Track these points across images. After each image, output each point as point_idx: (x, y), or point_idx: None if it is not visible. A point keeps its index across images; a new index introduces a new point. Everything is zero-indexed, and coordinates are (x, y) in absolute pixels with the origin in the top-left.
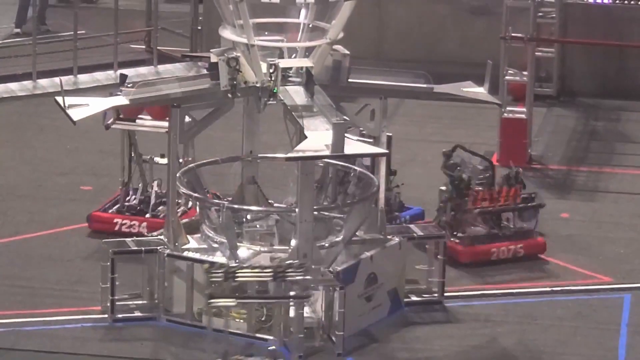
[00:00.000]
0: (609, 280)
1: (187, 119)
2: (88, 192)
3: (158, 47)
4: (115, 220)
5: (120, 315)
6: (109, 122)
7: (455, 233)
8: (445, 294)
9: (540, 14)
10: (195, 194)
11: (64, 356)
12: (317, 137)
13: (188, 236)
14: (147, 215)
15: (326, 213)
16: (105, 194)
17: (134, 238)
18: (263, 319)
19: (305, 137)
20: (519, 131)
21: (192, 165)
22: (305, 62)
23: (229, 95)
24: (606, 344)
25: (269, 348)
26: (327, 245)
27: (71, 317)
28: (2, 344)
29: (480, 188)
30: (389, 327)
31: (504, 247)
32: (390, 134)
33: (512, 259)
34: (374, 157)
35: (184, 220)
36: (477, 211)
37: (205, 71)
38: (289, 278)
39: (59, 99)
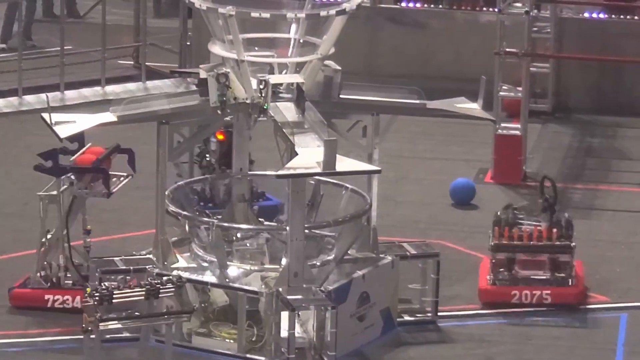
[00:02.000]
0: (606, 299)
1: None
2: None
3: (146, 63)
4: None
5: (108, 336)
6: None
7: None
8: (439, 314)
9: (535, 28)
10: (185, 212)
11: None
12: (308, 154)
13: (177, 255)
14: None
15: (317, 231)
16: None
17: (122, 257)
18: (253, 339)
19: (296, 154)
20: (514, 148)
21: (181, 182)
22: (296, 78)
23: (219, 111)
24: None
25: None
26: (318, 264)
27: (58, 338)
28: None
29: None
30: (381, 347)
31: (527, 291)
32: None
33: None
34: (366, 174)
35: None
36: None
37: (194, 87)
38: (161, 295)
39: (46, 115)
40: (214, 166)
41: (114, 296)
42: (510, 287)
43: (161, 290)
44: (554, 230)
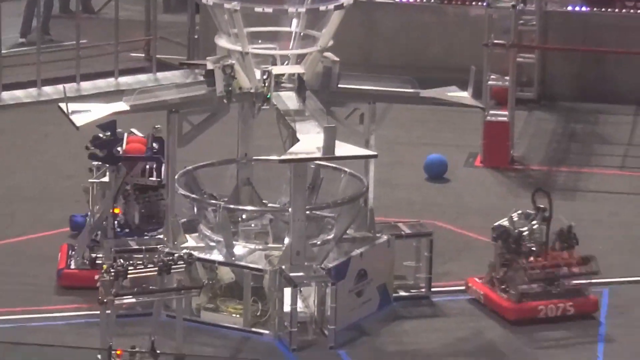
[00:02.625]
0: None
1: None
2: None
3: (157, 56)
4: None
5: (122, 311)
6: None
7: (505, 288)
8: (432, 289)
9: (521, 21)
10: (193, 195)
11: (67, 350)
12: (309, 140)
13: (186, 235)
14: None
15: (318, 212)
16: None
17: (135, 237)
18: (258, 313)
19: (298, 140)
20: (502, 134)
21: (189, 167)
22: (297, 69)
23: (225, 100)
24: (587, 336)
25: None
26: (319, 243)
27: (75, 313)
28: (10, 339)
29: (532, 244)
30: (378, 321)
31: (552, 305)
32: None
33: (561, 317)
34: (363, 159)
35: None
36: (531, 272)
37: (202, 78)
38: (173, 271)
39: (63, 105)
40: (128, 191)
41: (129, 272)
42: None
43: (172, 267)
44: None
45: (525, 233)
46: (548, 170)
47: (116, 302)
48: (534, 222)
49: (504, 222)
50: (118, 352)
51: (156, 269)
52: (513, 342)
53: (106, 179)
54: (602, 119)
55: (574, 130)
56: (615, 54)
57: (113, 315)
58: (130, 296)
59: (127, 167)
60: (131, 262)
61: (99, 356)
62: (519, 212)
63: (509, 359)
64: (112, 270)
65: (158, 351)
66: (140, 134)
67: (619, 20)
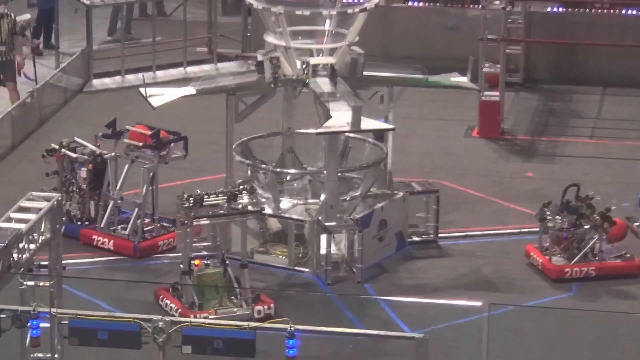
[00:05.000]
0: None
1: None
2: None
3: (217, 50)
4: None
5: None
6: None
7: (554, 250)
8: (439, 235)
9: (509, 20)
10: (248, 161)
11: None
12: (340, 116)
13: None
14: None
15: (347, 174)
16: (176, 163)
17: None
18: (300, 255)
19: (331, 117)
20: (494, 110)
21: (244, 139)
22: (330, 60)
23: (272, 85)
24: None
25: None
26: (348, 199)
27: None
28: (71, 274)
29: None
30: (396, 261)
31: (576, 268)
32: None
33: (583, 278)
34: (383, 131)
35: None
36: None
37: (253, 67)
38: (238, 200)
39: (142, 90)
40: (83, 191)
41: (204, 200)
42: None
43: (238, 196)
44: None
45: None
46: (531, 139)
47: (194, 223)
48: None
49: (547, 216)
50: (196, 262)
51: (225, 197)
52: (504, 276)
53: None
54: (575, 98)
55: (552, 107)
56: (585, 46)
57: (191, 236)
58: (206, 218)
59: (163, 148)
60: (205, 192)
61: (181, 265)
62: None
63: (501, 290)
64: (191, 198)
65: (227, 262)
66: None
67: (589, 19)
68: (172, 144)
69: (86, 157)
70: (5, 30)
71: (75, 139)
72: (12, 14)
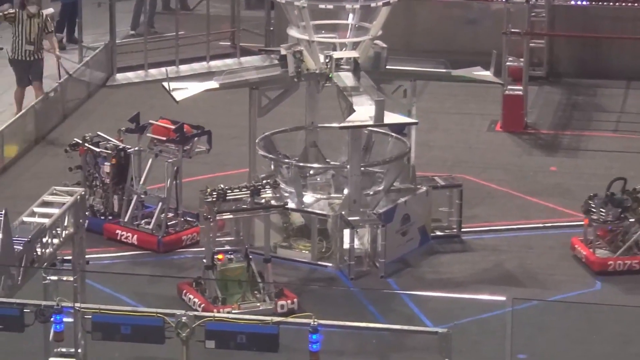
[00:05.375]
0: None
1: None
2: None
3: (240, 44)
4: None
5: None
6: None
7: (599, 243)
8: (462, 230)
9: (533, 13)
10: (271, 155)
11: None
12: (363, 111)
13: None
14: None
15: (370, 169)
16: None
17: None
18: (323, 250)
19: (354, 111)
20: (517, 104)
21: (267, 133)
22: (353, 54)
23: (295, 79)
24: (587, 266)
25: None
26: (371, 193)
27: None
28: (95, 269)
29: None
30: (419, 255)
31: (620, 261)
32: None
33: (627, 271)
34: (406, 125)
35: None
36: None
37: (276, 61)
38: (261, 194)
39: (165, 84)
40: (106, 186)
41: (227, 194)
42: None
43: (262, 191)
44: None
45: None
46: (555, 133)
47: (217, 217)
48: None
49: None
50: (220, 257)
51: (248, 192)
52: (526, 271)
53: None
54: (599, 92)
55: (575, 101)
56: (609, 39)
57: (215, 230)
58: (229, 213)
59: (186, 142)
60: (229, 187)
61: (205, 260)
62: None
63: (524, 284)
64: (214, 193)
65: (250, 256)
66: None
67: (612, 12)
68: (196, 138)
69: (109, 151)
70: (35, 29)
71: (99, 133)
72: (44, 14)
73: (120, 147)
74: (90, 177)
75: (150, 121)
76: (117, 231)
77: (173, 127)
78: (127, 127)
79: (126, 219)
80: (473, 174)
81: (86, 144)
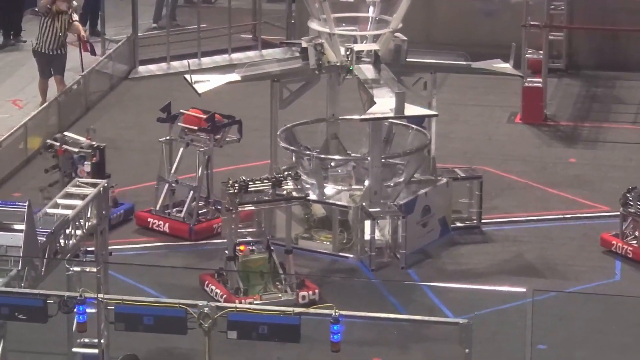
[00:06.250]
0: (607, 209)
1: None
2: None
3: (262, 36)
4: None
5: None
6: None
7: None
8: (482, 221)
9: (552, 6)
10: (292, 147)
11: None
12: (384, 103)
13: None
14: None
15: (391, 160)
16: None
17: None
18: (344, 241)
19: (375, 103)
20: (537, 96)
21: (288, 125)
22: (374, 46)
23: (316, 72)
24: (606, 258)
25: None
26: (392, 185)
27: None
28: (117, 260)
29: None
30: (439, 246)
31: None
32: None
33: None
34: (426, 117)
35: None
36: None
37: (298, 54)
38: (283, 186)
39: (187, 76)
40: None
41: (249, 186)
42: None
43: (283, 182)
44: None
45: None
46: (574, 125)
47: (239, 209)
48: None
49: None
50: (241, 248)
51: (270, 183)
52: (547, 262)
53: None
54: (618, 84)
55: (594, 93)
56: (627, 31)
57: (237, 221)
58: (251, 204)
59: (217, 131)
60: (250, 178)
61: (227, 251)
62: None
63: (544, 275)
64: (236, 184)
65: (272, 248)
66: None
67: (631, 4)
68: (227, 128)
69: (88, 150)
70: (62, 26)
71: (66, 134)
72: (73, 14)
73: (95, 145)
74: (67, 178)
75: (181, 110)
76: (149, 219)
77: (204, 116)
78: (158, 116)
79: (157, 207)
80: (493, 166)
81: (64, 145)
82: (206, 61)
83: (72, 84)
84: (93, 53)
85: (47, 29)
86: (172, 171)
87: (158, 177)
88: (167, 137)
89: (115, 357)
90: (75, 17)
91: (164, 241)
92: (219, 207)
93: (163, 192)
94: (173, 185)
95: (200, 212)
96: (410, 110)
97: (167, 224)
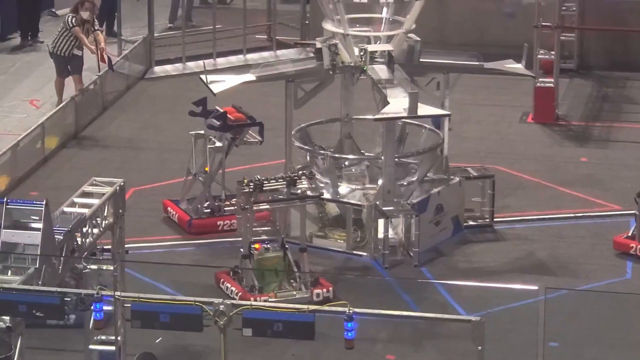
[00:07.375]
0: (618, 208)
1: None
2: None
3: (276, 37)
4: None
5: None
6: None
7: None
8: (495, 219)
9: (563, 7)
10: (307, 146)
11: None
12: (397, 103)
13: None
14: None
15: (404, 160)
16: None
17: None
18: (358, 239)
19: (388, 103)
20: (549, 96)
21: (303, 125)
22: (387, 47)
23: (330, 72)
24: (617, 256)
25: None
26: (405, 183)
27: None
28: (133, 258)
29: None
30: (452, 244)
31: None
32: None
33: None
34: (439, 117)
35: None
36: None
37: (312, 55)
38: (297, 185)
39: (203, 76)
40: None
41: (264, 185)
42: None
43: (297, 181)
44: None
45: None
46: (586, 125)
47: (254, 208)
48: None
49: None
50: (256, 246)
51: (285, 182)
52: (558, 260)
53: (219, 143)
54: (629, 84)
55: (606, 93)
56: (638, 32)
57: (252, 220)
58: (266, 203)
59: (236, 132)
60: (265, 177)
61: (242, 249)
62: None
63: (556, 273)
64: (251, 183)
65: (286, 246)
66: None
67: None
68: (246, 128)
69: None
70: (86, 35)
71: None
72: (96, 23)
73: None
74: None
75: (217, 107)
76: (168, 208)
77: (241, 115)
78: (190, 110)
79: (182, 199)
80: (505, 165)
81: None
82: (221, 61)
83: (89, 84)
84: (110, 67)
85: (67, 37)
86: (200, 165)
87: (187, 169)
88: (194, 132)
89: (131, 355)
90: (97, 25)
91: (179, 240)
92: (221, 204)
93: (190, 185)
94: (199, 178)
95: (208, 209)
96: (423, 110)
97: (177, 215)
